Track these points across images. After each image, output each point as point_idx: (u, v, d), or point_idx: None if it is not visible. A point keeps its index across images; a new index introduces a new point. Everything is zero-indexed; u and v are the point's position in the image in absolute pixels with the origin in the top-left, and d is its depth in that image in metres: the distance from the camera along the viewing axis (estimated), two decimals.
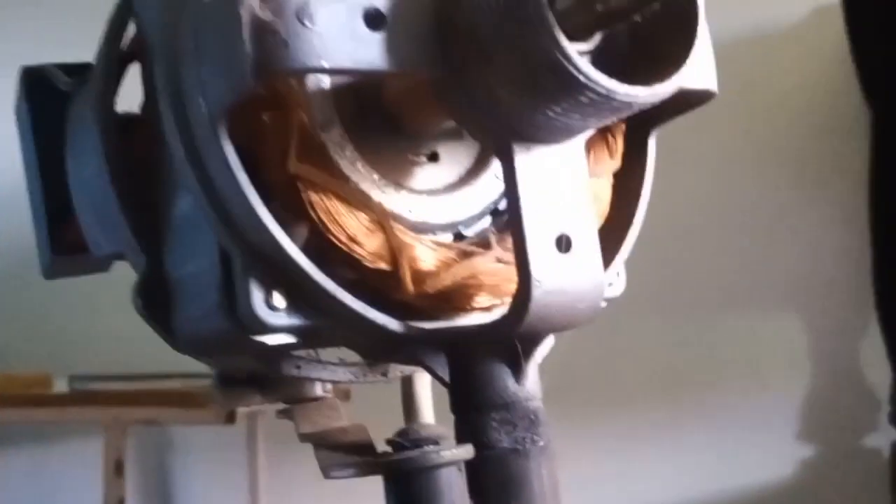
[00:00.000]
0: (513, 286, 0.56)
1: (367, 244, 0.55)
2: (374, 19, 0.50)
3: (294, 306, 0.53)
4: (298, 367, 0.63)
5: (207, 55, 0.50)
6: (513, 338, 0.55)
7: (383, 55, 0.50)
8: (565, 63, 0.49)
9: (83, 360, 2.97)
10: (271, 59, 0.48)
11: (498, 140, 0.53)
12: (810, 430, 2.65)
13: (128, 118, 0.61)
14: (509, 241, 0.58)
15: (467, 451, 0.54)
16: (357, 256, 0.55)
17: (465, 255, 0.58)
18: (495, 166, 0.62)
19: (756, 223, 2.64)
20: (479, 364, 0.56)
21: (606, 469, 2.62)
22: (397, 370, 0.68)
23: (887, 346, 2.39)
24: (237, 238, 0.53)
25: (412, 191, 0.59)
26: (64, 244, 0.68)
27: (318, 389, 0.70)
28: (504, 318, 0.54)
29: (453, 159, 0.62)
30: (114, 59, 0.61)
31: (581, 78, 0.49)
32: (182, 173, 0.54)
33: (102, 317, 2.92)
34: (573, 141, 0.55)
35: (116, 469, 2.72)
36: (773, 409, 2.63)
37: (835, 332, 2.66)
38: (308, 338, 0.56)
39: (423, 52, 0.51)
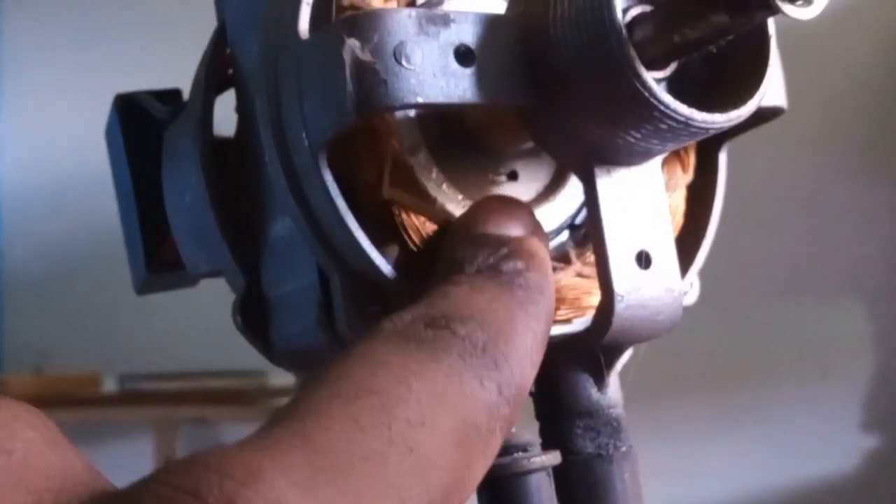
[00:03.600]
0: (592, 299, 0.59)
1: None
2: (464, 56, 0.53)
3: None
4: None
5: (310, 92, 0.54)
6: (596, 349, 0.58)
7: (474, 89, 0.53)
8: (645, 93, 0.52)
9: (133, 360, 3.02)
10: (371, 96, 0.51)
11: (580, 164, 0.57)
12: (874, 420, 2.65)
13: (222, 142, 0.65)
14: (589, 256, 0.61)
15: (555, 457, 0.58)
16: None
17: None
18: (572, 183, 0.65)
19: (817, 210, 2.64)
20: (563, 374, 0.60)
21: (666, 462, 2.64)
22: None
23: None
24: (335, 259, 0.57)
25: None
26: (157, 263, 0.72)
27: None
28: (588, 331, 0.58)
29: (532, 177, 0.65)
30: (211, 88, 0.64)
31: (661, 107, 0.52)
32: (282, 199, 0.57)
33: (151, 316, 2.98)
34: (651, 161, 0.58)
35: None
36: (837, 398, 2.63)
37: None
38: None
39: (510, 85, 0.54)
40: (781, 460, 2.62)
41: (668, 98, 0.52)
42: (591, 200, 0.57)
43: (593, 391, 0.60)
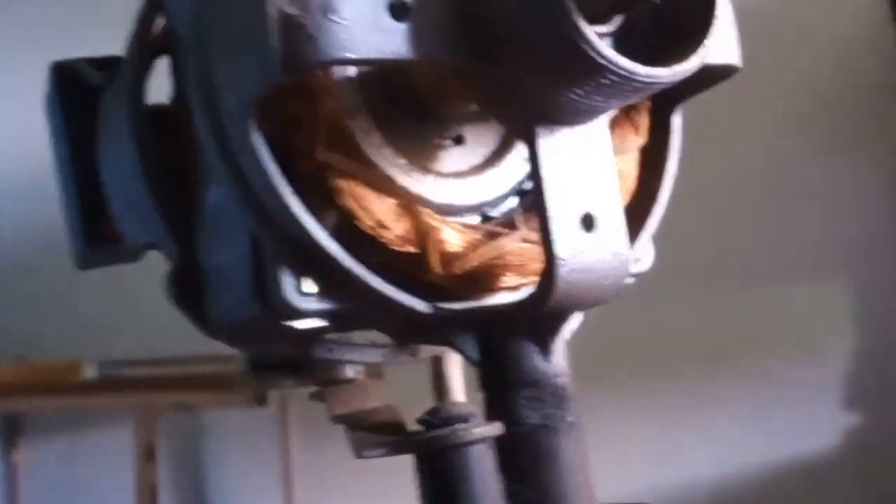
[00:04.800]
0: (539, 266, 0.57)
1: (394, 228, 0.56)
2: (398, 10, 0.51)
3: (324, 291, 0.55)
4: (331, 350, 0.64)
5: (236, 50, 0.51)
6: (540, 316, 0.56)
7: (408, 45, 0.51)
8: (585, 47, 0.50)
9: (113, 346, 2.99)
10: (299, 52, 0.49)
11: (522, 123, 0.55)
12: (856, 400, 2.63)
13: (157, 110, 0.63)
14: (535, 222, 0.59)
15: (497, 427, 0.56)
16: (385, 241, 0.56)
17: (492, 236, 0.59)
18: (520, 147, 0.63)
19: (799, 188, 2.62)
20: (507, 343, 0.57)
21: (649, 442, 2.63)
22: (427, 351, 0.69)
23: None
24: (268, 227, 0.54)
25: (438, 174, 0.60)
26: (97, 236, 0.70)
27: (350, 372, 0.71)
28: (531, 297, 0.56)
29: (478, 141, 0.63)
30: (144, 54, 0.62)
31: (601, 61, 0.50)
32: (214, 165, 0.55)
33: (131, 302, 2.94)
34: (596, 121, 0.56)
35: (148, 455, 2.74)
36: (819, 377, 2.62)
37: (881, 299, 2.64)
38: (339, 322, 0.58)
39: (447, 41, 0.52)
40: (764, 439, 2.60)
41: (608, 50, 0.50)
42: (534, 160, 0.54)
43: (538, 360, 0.57)
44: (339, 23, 0.49)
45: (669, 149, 0.64)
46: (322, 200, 0.56)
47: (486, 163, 0.63)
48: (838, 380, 2.63)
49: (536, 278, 0.57)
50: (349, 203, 0.55)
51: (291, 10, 0.49)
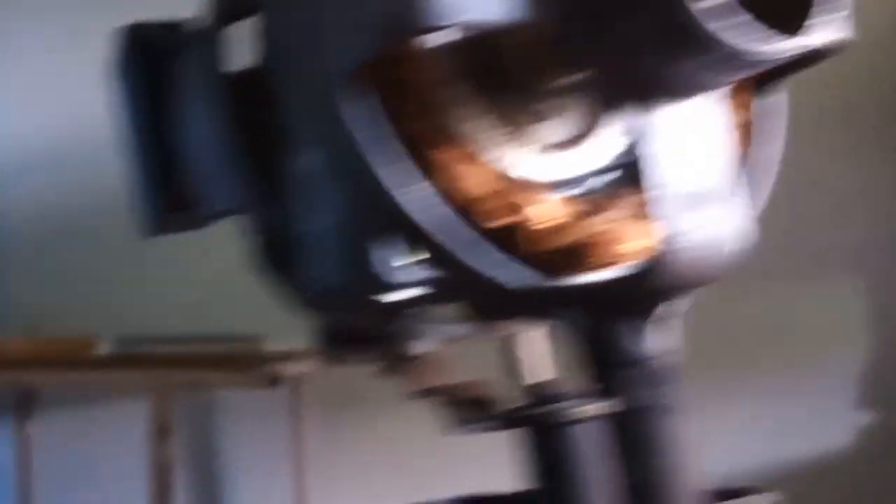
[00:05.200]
0: (642, 242, 0.55)
1: (491, 201, 0.54)
2: None
3: (426, 264, 0.53)
4: (419, 323, 0.62)
5: (342, 11, 0.49)
6: (651, 294, 0.54)
7: (522, 7, 0.49)
8: (694, 23, 0.48)
9: (128, 322, 2.96)
10: (408, 15, 0.47)
11: (632, 96, 0.52)
12: (870, 398, 2.62)
13: (238, 74, 0.60)
14: (639, 195, 0.57)
15: (611, 405, 0.54)
16: (482, 213, 0.54)
17: (595, 209, 0.57)
18: (614, 120, 0.61)
19: (816, 190, 2.60)
20: (614, 320, 0.55)
21: None
22: (507, 326, 0.67)
23: None
24: (365, 195, 0.52)
25: (534, 146, 0.58)
26: (169, 203, 0.68)
27: (426, 345, 0.69)
28: (642, 274, 0.53)
29: (575, 112, 0.61)
30: (225, 15, 0.59)
31: (710, 37, 0.48)
32: (310, 129, 0.53)
33: (147, 278, 2.92)
34: (707, 96, 0.54)
35: (161, 432, 2.72)
36: (833, 376, 2.60)
37: (895, 297, 2.62)
38: (435, 296, 0.56)
39: (560, 4, 0.50)
40: (777, 436, 2.58)
41: (716, 27, 0.48)
42: (645, 134, 0.52)
43: (648, 338, 0.55)
44: None
45: (778, 122, 0.62)
46: (418, 171, 0.54)
47: (581, 134, 0.60)
48: (852, 379, 2.62)
49: (640, 255, 0.55)
50: (445, 174, 0.53)
51: None
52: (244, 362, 2.79)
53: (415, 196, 0.52)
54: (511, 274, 0.53)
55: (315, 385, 2.74)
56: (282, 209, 0.59)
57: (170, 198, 0.68)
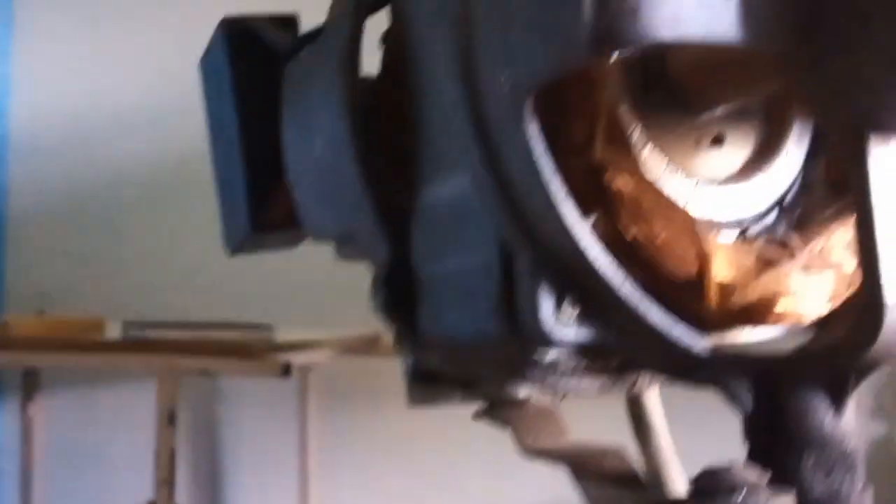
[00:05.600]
0: (820, 303, 0.48)
1: (675, 247, 0.46)
2: None
3: (586, 317, 0.45)
4: (551, 376, 0.54)
5: (522, 19, 0.41)
6: (847, 367, 0.46)
7: (737, 25, 0.41)
8: None
9: (138, 306, 2.92)
10: (617, 27, 0.39)
11: (853, 128, 0.44)
12: (880, 410, 2.57)
13: (365, 84, 0.52)
14: (815, 244, 0.50)
15: (788, 500, 0.45)
16: (663, 261, 0.46)
17: (767, 261, 0.49)
18: (786, 151, 0.53)
19: None
20: (792, 393, 0.47)
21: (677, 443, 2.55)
22: (645, 382, 0.59)
23: None
24: (526, 233, 0.45)
25: (700, 179, 0.51)
26: (264, 219, 0.60)
27: (525, 392, 0.62)
28: (845, 344, 0.45)
29: (739, 142, 0.53)
30: (363, 10, 0.51)
31: None
32: (463, 154, 0.45)
33: (159, 263, 2.86)
34: None
35: (169, 418, 2.66)
36: None
37: None
38: (592, 352, 0.48)
39: (778, 21, 0.42)
40: None
41: None
42: (861, 177, 0.44)
43: (828, 418, 0.47)
44: None
45: None
46: (587, 205, 0.46)
47: (747, 168, 0.53)
48: (865, 389, 2.56)
49: (814, 315, 0.47)
50: (628, 211, 0.45)
51: None
52: (254, 351, 2.73)
53: (591, 234, 0.44)
54: (691, 335, 0.45)
55: (323, 375, 2.69)
56: (410, 242, 0.51)
57: (265, 213, 0.60)
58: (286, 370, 2.59)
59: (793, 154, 0.53)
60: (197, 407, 3.00)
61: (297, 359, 2.57)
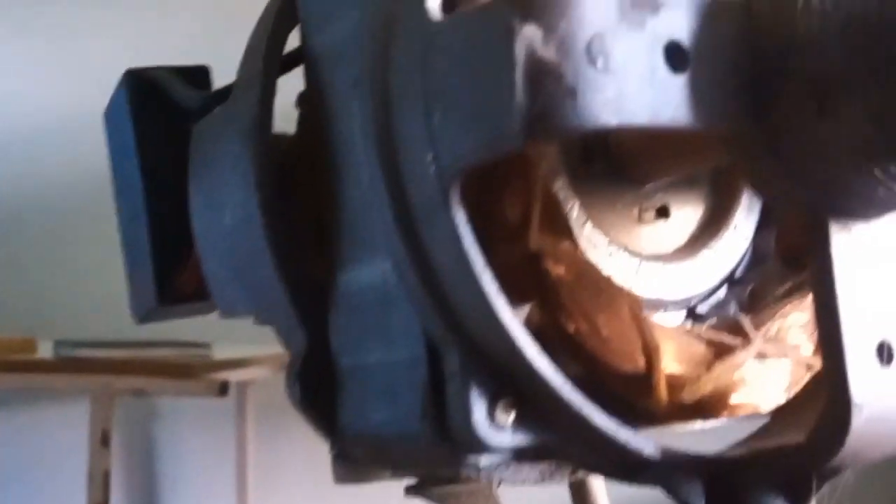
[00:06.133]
0: (778, 392, 0.44)
1: (620, 340, 0.42)
2: (676, 57, 0.36)
3: (523, 420, 0.41)
4: (486, 468, 0.49)
5: (447, 98, 0.37)
6: (811, 470, 0.42)
7: (686, 106, 0.37)
8: None
9: (69, 325, 2.86)
10: (552, 113, 0.34)
11: (812, 214, 0.40)
12: None
13: (280, 148, 0.48)
14: (770, 325, 0.46)
15: None
16: (608, 354, 0.42)
17: (720, 349, 0.45)
18: (735, 224, 0.49)
19: None
20: (748, 496, 0.43)
21: None
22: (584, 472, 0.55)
23: None
24: (455, 329, 0.40)
25: (644, 257, 0.47)
26: (171, 291, 0.55)
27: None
28: (809, 448, 0.41)
29: (684, 215, 0.49)
30: (274, 74, 0.46)
31: None
32: (383, 240, 0.41)
33: (90, 280, 2.80)
34: (886, 216, 0.42)
35: (103, 439, 2.60)
36: None
37: None
38: (530, 456, 0.43)
39: (729, 100, 0.38)
40: None
41: None
42: (823, 266, 0.40)
43: None
44: (608, 73, 0.35)
45: None
46: (518, 293, 0.41)
47: (693, 243, 0.49)
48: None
49: (771, 405, 0.43)
50: (566, 302, 0.41)
51: (546, 52, 0.34)
52: (191, 370, 2.67)
53: (527, 333, 0.39)
54: (639, 440, 0.41)
55: (261, 393, 2.65)
56: (327, 330, 0.46)
57: (174, 284, 0.55)
58: (223, 389, 2.53)
59: (742, 226, 0.49)
60: (132, 427, 2.94)
61: (234, 376, 2.52)
